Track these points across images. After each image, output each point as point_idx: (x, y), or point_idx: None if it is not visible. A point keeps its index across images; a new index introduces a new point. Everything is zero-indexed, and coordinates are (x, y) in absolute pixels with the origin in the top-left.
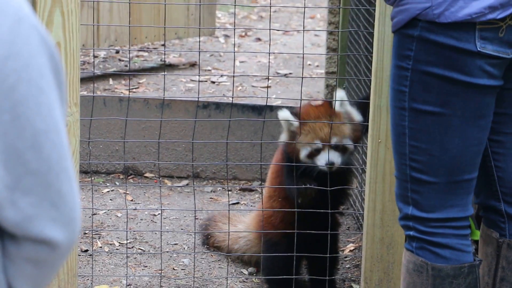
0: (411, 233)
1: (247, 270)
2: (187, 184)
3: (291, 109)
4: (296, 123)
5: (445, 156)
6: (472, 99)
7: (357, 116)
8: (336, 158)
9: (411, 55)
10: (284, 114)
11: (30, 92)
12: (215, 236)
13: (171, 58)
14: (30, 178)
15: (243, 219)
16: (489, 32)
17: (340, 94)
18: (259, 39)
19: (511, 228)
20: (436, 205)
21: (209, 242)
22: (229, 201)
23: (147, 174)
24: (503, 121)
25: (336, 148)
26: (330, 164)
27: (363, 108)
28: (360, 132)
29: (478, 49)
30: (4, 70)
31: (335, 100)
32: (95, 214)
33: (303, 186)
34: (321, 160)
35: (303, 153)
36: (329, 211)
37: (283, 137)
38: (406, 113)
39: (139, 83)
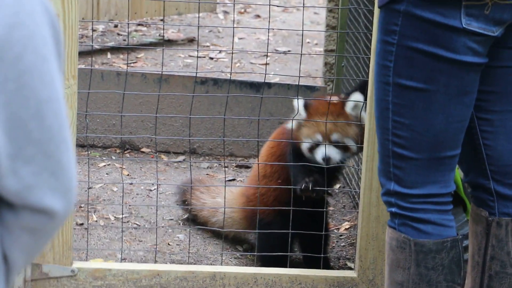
0: (393, 209)
1: (242, 246)
2: (183, 160)
3: (307, 100)
4: (303, 114)
5: (428, 132)
6: (456, 75)
7: None
8: (334, 154)
9: (397, 30)
10: (296, 104)
11: (35, 62)
12: (192, 205)
13: (170, 34)
14: (32, 147)
15: (222, 191)
16: (474, 9)
17: (356, 96)
18: (258, 16)
19: (500, 207)
20: (418, 181)
21: (186, 208)
22: (225, 177)
23: (143, 149)
24: (491, 99)
25: (336, 145)
26: (326, 158)
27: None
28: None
29: (463, 25)
30: (10, 39)
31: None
32: (91, 188)
33: (307, 183)
34: (319, 154)
35: (304, 145)
36: (325, 189)
37: (292, 124)
38: (390, 88)
39: (137, 57)
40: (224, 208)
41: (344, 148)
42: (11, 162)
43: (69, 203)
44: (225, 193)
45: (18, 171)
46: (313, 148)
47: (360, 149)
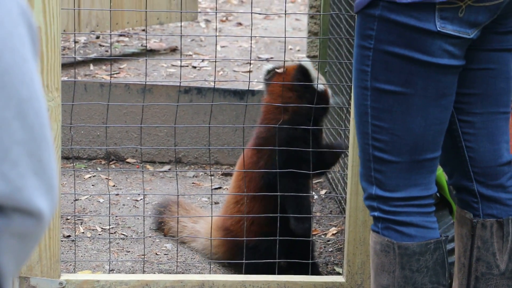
0: (376, 214)
1: None
2: (169, 169)
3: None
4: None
5: (407, 136)
6: (434, 78)
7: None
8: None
9: (373, 35)
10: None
11: (15, 61)
12: (170, 226)
13: (152, 43)
14: (17, 148)
15: (201, 212)
16: (448, 12)
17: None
18: (240, 24)
19: (484, 208)
20: (399, 184)
21: (162, 229)
22: (211, 186)
23: (129, 160)
24: (472, 102)
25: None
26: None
27: None
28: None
29: (438, 29)
30: None
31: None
32: (77, 199)
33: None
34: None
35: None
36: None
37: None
38: (369, 92)
39: (120, 68)
40: (211, 239)
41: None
42: None
43: (53, 202)
44: (204, 223)
45: (7, 174)
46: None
47: None
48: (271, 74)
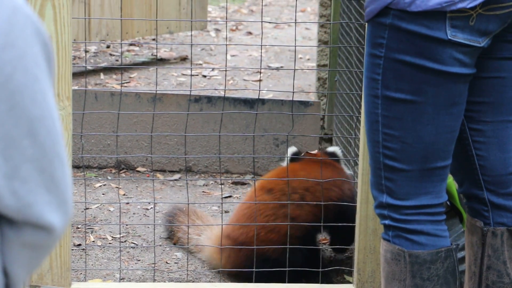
0: (387, 222)
1: None
2: (179, 178)
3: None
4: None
5: (418, 144)
6: (444, 87)
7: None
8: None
9: (384, 43)
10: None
11: (26, 81)
12: (178, 236)
13: (162, 53)
14: (27, 165)
15: (211, 220)
16: (459, 21)
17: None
18: (250, 33)
19: (495, 217)
20: (410, 193)
21: (173, 238)
22: (222, 194)
23: (139, 168)
24: (482, 110)
25: None
26: None
27: None
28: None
29: (449, 37)
30: (1, 60)
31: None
32: (87, 208)
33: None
34: None
35: None
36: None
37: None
38: (379, 101)
39: (130, 77)
40: (221, 247)
41: None
42: (9, 183)
43: (66, 216)
44: (207, 235)
45: (17, 191)
46: None
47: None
48: (302, 155)
